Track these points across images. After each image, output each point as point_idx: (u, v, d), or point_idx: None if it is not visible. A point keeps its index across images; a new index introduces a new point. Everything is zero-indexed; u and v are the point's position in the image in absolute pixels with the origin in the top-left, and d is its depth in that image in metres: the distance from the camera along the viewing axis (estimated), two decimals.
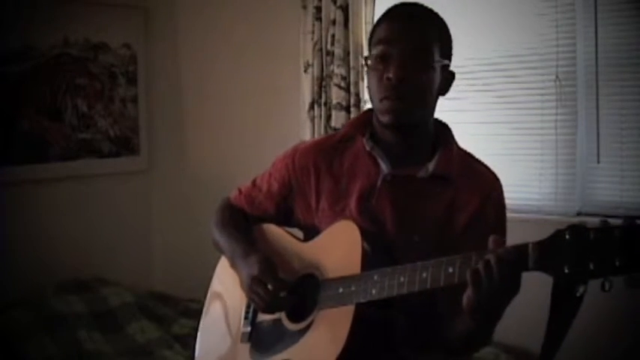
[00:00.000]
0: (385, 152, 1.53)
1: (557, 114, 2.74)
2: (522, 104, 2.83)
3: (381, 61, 1.46)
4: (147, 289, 3.41)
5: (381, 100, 1.47)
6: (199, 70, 3.68)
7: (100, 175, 3.42)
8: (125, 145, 3.53)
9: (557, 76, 2.72)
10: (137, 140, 3.58)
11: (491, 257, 1.19)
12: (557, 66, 2.72)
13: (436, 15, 1.52)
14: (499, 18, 2.88)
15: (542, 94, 2.77)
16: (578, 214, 2.71)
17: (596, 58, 2.65)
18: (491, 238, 1.22)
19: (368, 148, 1.53)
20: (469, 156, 1.57)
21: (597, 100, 2.66)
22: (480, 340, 1.45)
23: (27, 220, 3.12)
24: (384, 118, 1.48)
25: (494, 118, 2.90)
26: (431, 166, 1.49)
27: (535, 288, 1.27)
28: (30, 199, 3.15)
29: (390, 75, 1.43)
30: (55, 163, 3.24)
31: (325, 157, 1.59)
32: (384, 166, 1.51)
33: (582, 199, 2.72)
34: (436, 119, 1.58)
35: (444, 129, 1.58)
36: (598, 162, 2.68)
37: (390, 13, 1.51)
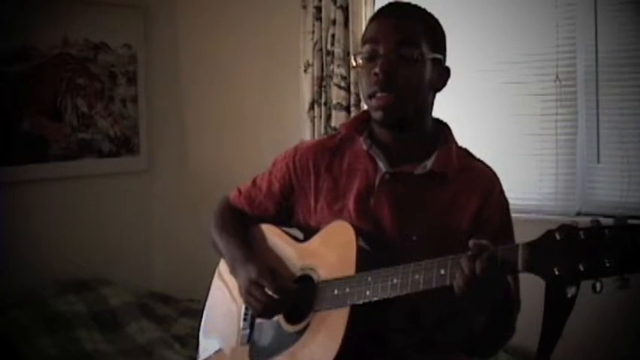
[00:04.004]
0: (383, 151, 1.52)
1: (557, 114, 2.74)
2: (522, 104, 2.83)
3: (369, 59, 1.48)
4: (147, 289, 3.40)
5: (370, 97, 1.48)
6: (199, 70, 3.68)
7: (100, 175, 3.42)
8: (125, 145, 3.53)
9: (557, 76, 2.72)
10: (137, 140, 3.58)
11: (479, 260, 1.19)
12: (557, 66, 2.72)
13: (424, 11, 1.53)
14: (499, 18, 2.88)
15: (542, 94, 2.77)
16: (578, 214, 2.71)
17: (596, 58, 2.65)
18: (471, 242, 1.23)
19: (366, 147, 1.53)
20: (468, 154, 1.57)
21: (597, 100, 2.66)
22: (497, 332, 1.45)
23: (27, 220, 3.11)
24: (376, 115, 1.48)
25: (494, 117, 2.90)
26: (429, 163, 1.49)
27: (533, 286, 1.27)
28: (30, 199, 3.15)
29: (377, 70, 1.44)
30: (55, 163, 3.23)
31: (325, 156, 1.59)
32: (382, 165, 1.51)
33: (582, 199, 2.72)
34: (435, 118, 1.58)
35: (443, 128, 1.58)
36: (598, 162, 2.68)
37: (377, 13, 1.53)
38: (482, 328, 1.39)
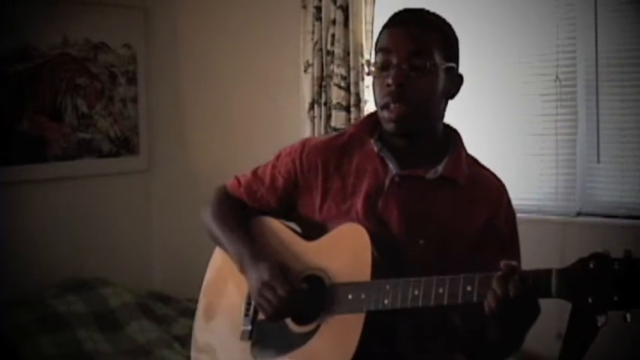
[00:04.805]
0: (394, 154, 1.52)
1: (557, 114, 2.74)
2: (522, 104, 2.83)
3: (382, 69, 1.47)
4: (147, 289, 3.40)
5: (382, 108, 1.47)
6: (199, 69, 3.67)
7: (100, 175, 3.42)
8: (125, 145, 3.53)
9: (557, 76, 2.72)
10: (137, 140, 3.58)
11: (512, 283, 1.20)
12: (557, 66, 2.72)
13: (438, 18, 1.52)
14: (499, 18, 2.88)
15: (542, 94, 2.77)
16: (579, 214, 2.71)
17: (596, 58, 2.65)
18: (502, 263, 1.23)
19: (376, 150, 1.52)
20: (477, 163, 1.57)
21: (597, 100, 2.66)
22: (512, 343, 1.46)
23: (27, 220, 3.11)
24: (388, 126, 1.48)
25: (494, 118, 2.90)
26: (440, 168, 1.49)
27: None
28: (30, 199, 3.15)
29: (390, 81, 1.44)
30: (55, 163, 3.23)
31: (334, 155, 1.58)
32: (392, 167, 1.50)
33: (582, 199, 2.72)
34: (446, 124, 1.58)
35: (453, 134, 1.57)
36: (598, 162, 2.68)
37: (390, 21, 1.52)
38: (499, 339, 1.39)
